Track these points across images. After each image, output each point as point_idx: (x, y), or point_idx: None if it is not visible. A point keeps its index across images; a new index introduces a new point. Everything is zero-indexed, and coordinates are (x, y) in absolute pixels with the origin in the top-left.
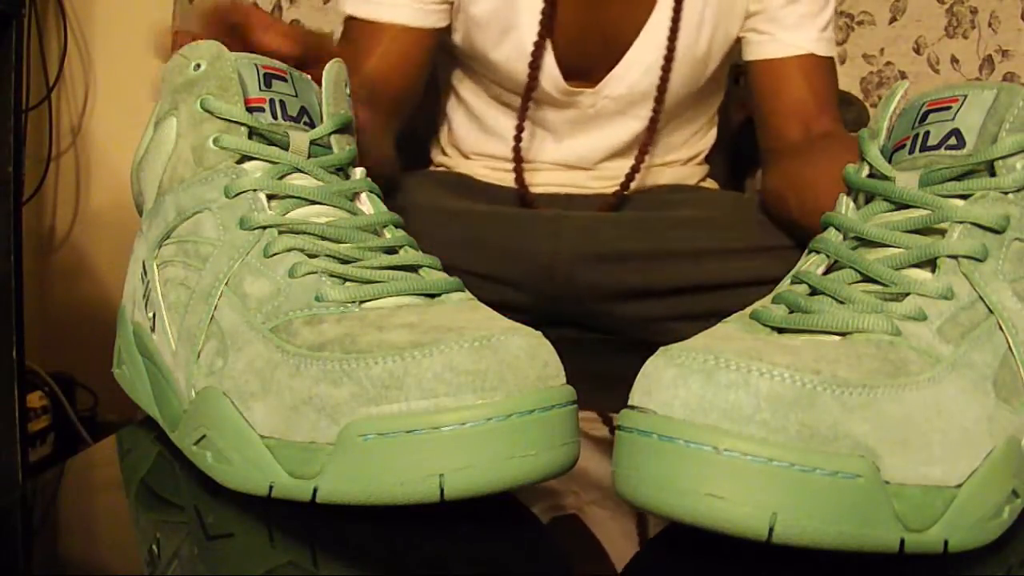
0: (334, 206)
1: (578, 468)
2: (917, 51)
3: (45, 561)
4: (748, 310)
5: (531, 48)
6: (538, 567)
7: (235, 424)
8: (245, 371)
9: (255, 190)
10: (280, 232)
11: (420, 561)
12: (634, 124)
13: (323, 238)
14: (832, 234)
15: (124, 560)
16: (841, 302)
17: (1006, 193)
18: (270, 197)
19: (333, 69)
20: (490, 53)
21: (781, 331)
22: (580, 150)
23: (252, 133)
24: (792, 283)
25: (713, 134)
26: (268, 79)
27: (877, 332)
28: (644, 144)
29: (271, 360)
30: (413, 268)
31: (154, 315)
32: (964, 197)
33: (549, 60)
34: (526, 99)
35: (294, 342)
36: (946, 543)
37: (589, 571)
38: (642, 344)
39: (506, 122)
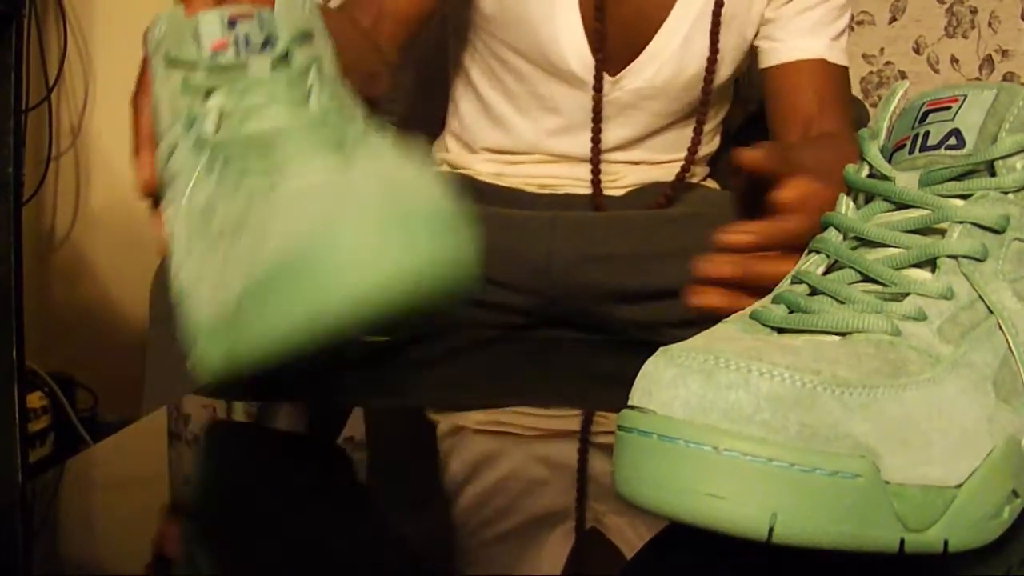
0: (284, 108)
1: (578, 468)
2: (917, 51)
3: (45, 561)
4: (748, 310)
5: (562, 21)
6: (538, 567)
7: (193, 327)
8: (193, 277)
9: (205, 115)
10: (223, 147)
11: (418, 561)
12: (644, 119)
13: (263, 142)
14: (832, 234)
15: (124, 560)
16: (841, 302)
17: (1006, 193)
18: (223, 119)
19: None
20: (521, 17)
21: (781, 331)
22: (589, 142)
23: (212, 70)
24: (792, 283)
25: (717, 141)
26: (232, 23)
27: (877, 332)
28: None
29: (208, 261)
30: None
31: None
32: (964, 197)
33: (580, 35)
34: (596, 100)
35: (226, 241)
36: (946, 543)
37: (589, 571)
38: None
39: (514, 111)
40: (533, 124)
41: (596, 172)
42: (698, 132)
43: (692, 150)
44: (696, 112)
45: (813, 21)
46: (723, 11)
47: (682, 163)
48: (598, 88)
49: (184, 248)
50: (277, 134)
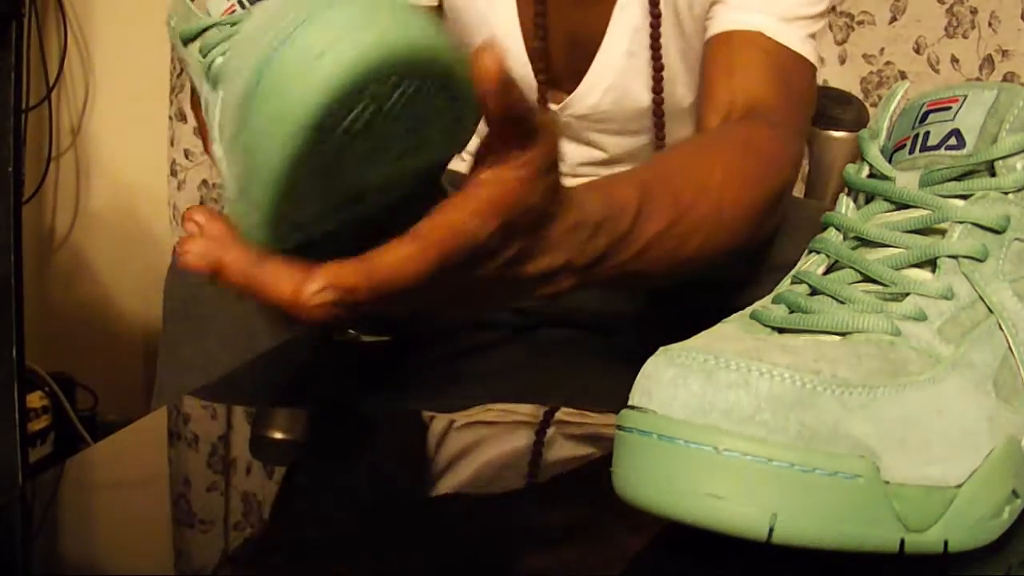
0: None
1: (578, 468)
2: (917, 51)
3: (45, 561)
4: (748, 310)
5: (504, 43)
6: (538, 567)
7: None
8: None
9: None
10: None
11: (418, 561)
12: (607, 139)
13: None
14: (832, 234)
15: (124, 560)
16: (841, 302)
17: (1006, 193)
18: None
19: None
20: (469, 40)
21: (781, 331)
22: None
23: (222, 29)
24: (792, 283)
25: None
26: None
27: (877, 332)
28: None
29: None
30: None
31: None
32: (964, 197)
33: (523, 60)
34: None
35: None
36: (946, 543)
37: (589, 571)
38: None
39: None
40: None
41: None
42: (661, 146)
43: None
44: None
45: None
46: (662, 19)
47: None
48: (541, 103)
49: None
50: None
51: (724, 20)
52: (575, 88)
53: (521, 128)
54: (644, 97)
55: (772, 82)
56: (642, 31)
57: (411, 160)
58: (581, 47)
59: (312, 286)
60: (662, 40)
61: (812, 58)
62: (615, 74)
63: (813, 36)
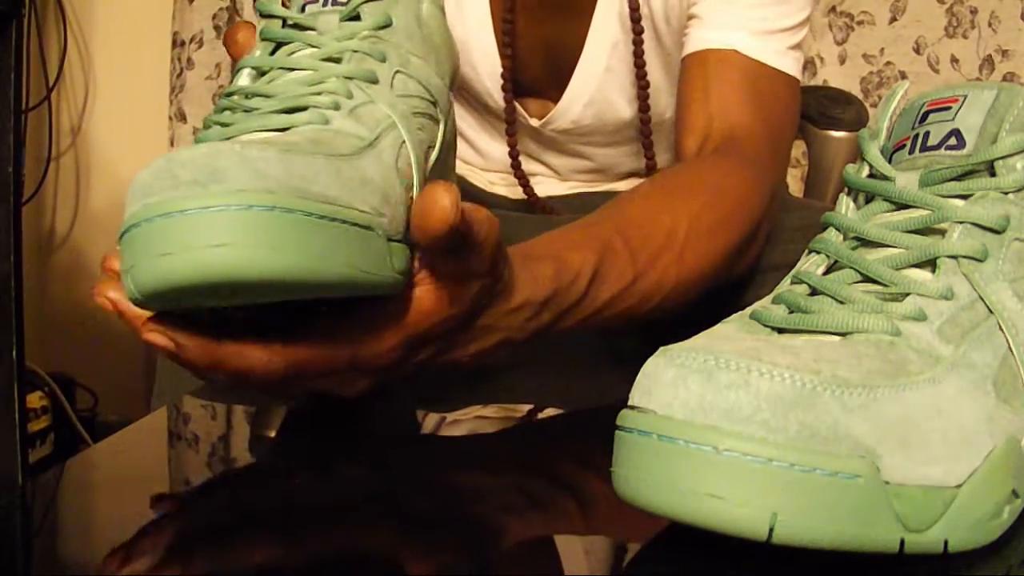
0: (306, 69)
1: (578, 468)
2: (917, 51)
3: (45, 561)
4: (748, 310)
5: (478, 61)
6: (538, 567)
7: None
8: None
9: (244, 67)
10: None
11: (417, 560)
12: (594, 150)
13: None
14: (832, 234)
15: (124, 560)
16: (841, 302)
17: (1006, 193)
18: (262, 72)
19: None
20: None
21: (781, 331)
22: (554, 167)
23: (285, 23)
24: (792, 283)
25: None
26: None
27: (877, 332)
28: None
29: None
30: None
31: None
32: (964, 197)
33: (495, 78)
34: (508, 112)
35: None
36: (946, 543)
37: (589, 571)
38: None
39: (479, 132)
40: (499, 145)
41: (527, 187)
42: (650, 159)
43: (649, 166)
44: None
45: (731, 14)
46: (642, 34)
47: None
48: (511, 132)
49: None
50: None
51: (699, 38)
52: (559, 97)
53: (455, 252)
54: (626, 110)
55: (748, 104)
56: (621, 46)
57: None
58: (560, 60)
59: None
60: (619, 69)
61: (793, 71)
62: (594, 89)
63: (796, 46)
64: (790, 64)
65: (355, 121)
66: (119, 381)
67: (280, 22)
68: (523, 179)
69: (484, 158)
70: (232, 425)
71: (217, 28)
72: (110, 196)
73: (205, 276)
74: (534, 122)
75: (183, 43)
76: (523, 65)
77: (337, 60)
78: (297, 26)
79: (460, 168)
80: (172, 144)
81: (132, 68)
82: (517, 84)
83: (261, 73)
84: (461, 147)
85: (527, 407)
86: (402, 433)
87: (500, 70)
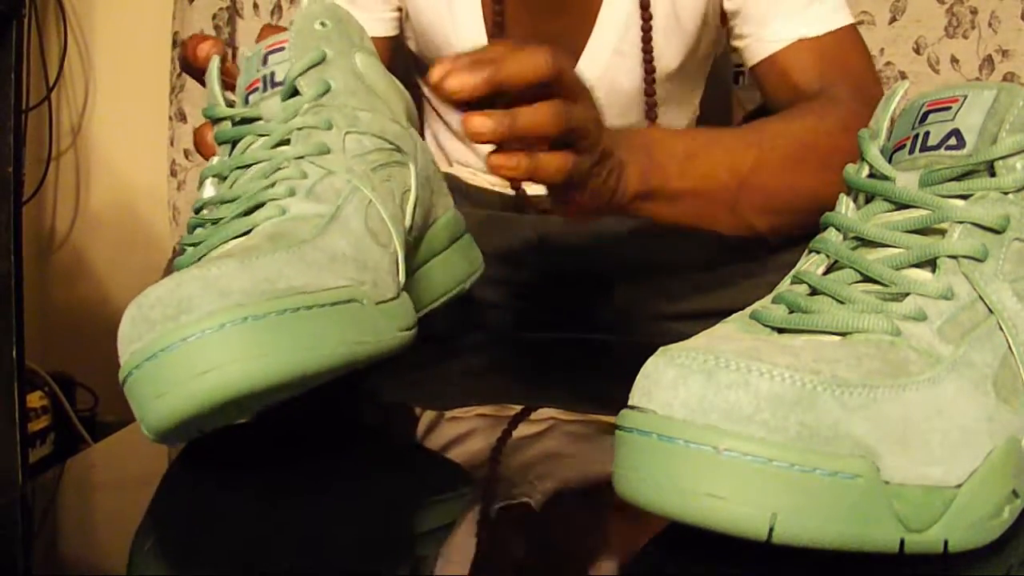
0: (261, 161)
1: (578, 468)
2: (917, 51)
3: (45, 561)
4: (748, 310)
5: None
6: (538, 567)
7: None
8: None
9: (206, 177)
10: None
11: (416, 560)
12: None
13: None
14: (832, 234)
15: (124, 560)
16: (841, 302)
17: (1006, 193)
18: (224, 178)
19: (303, 12)
20: (429, 52)
21: (781, 331)
22: None
23: (234, 122)
24: (792, 283)
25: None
26: (266, 58)
27: (877, 332)
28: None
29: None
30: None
31: None
32: (964, 197)
33: None
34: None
35: None
36: (946, 543)
37: (589, 571)
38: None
39: None
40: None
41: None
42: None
43: None
44: (664, 119)
45: (780, 2)
46: (657, 17)
47: None
48: None
49: None
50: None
51: (765, 41)
52: None
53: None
54: (633, 89)
55: (829, 74)
56: (633, 30)
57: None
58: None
59: None
60: (658, 38)
61: (849, 19)
62: (601, 69)
63: None
64: (843, 16)
65: (314, 201)
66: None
67: (229, 122)
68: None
69: (481, 156)
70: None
71: (217, 28)
72: (110, 196)
73: (203, 404)
74: None
75: (183, 43)
76: None
77: (286, 143)
78: (245, 120)
79: (459, 171)
80: (172, 144)
81: (132, 68)
82: None
83: (222, 179)
84: (460, 149)
85: (527, 407)
86: (402, 433)
87: None
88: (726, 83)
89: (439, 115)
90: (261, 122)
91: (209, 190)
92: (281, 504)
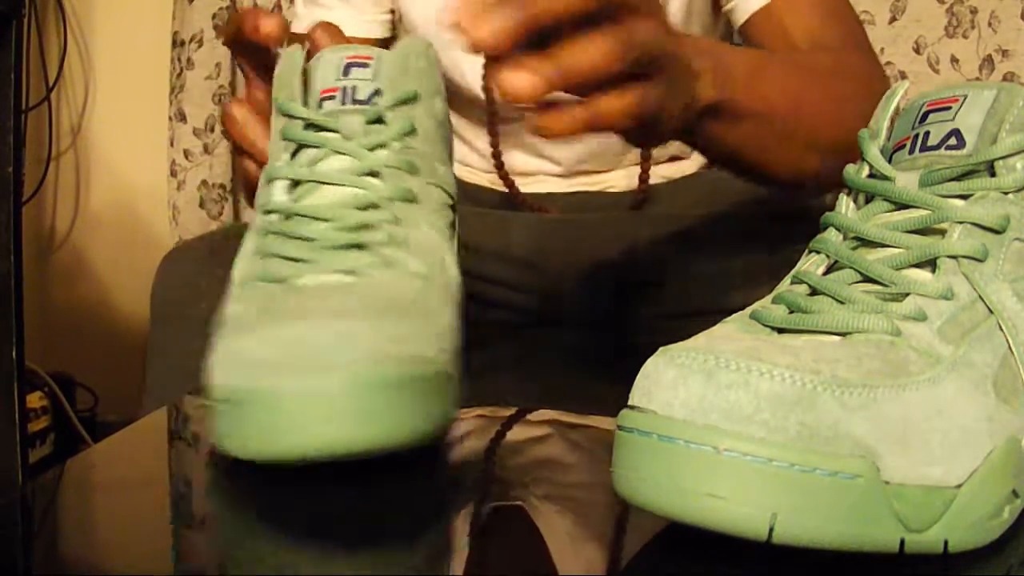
0: (347, 185)
1: (578, 468)
2: (917, 51)
3: (45, 561)
4: (748, 310)
5: (463, 59)
6: (538, 567)
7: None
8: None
9: (276, 178)
10: (267, 212)
11: (418, 561)
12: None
13: (290, 218)
14: (832, 234)
15: (124, 560)
16: (841, 302)
17: (1006, 193)
18: (296, 183)
19: (401, 46)
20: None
21: (781, 331)
22: (553, 158)
23: (307, 125)
24: (792, 283)
25: None
26: (348, 68)
27: (877, 332)
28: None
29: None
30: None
31: None
32: (964, 197)
33: (478, 65)
34: (490, 110)
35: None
36: (946, 543)
37: (589, 571)
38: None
39: (475, 133)
40: (497, 146)
41: (508, 182)
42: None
43: (645, 156)
44: None
45: None
46: None
47: (670, 160)
48: (492, 123)
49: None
50: (321, 212)
51: (750, 1)
52: None
53: None
54: None
55: (831, 24)
56: None
57: None
58: None
59: None
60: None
61: None
62: None
63: None
64: None
65: (411, 255)
66: (119, 381)
67: (300, 123)
68: (505, 176)
69: (484, 159)
70: None
71: (217, 28)
72: (110, 196)
73: (312, 453)
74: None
75: (183, 43)
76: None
77: (374, 175)
78: (316, 126)
79: (460, 171)
80: (172, 144)
81: (132, 68)
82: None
83: (295, 183)
84: (457, 146)
85: (527, 407)
86: None
87: (481, 73)
88: None
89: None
90: (338, 137)
91: (280, 193)
92: (277, 504)
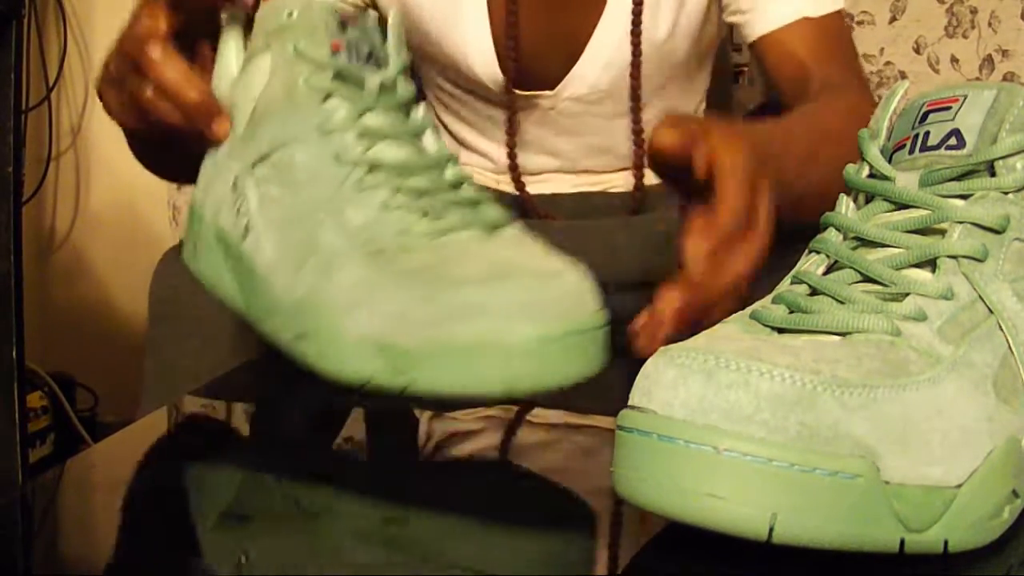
0: (405, 143)
1: (578, 468)
2: (917, 51)
3: (45, 561)
4: (748, 310)
5: (473, 45)
6: (538, 567)
7: (338, 328)
8: (350, 287)
9: (344, 130)
10: (369, 170)
11: (416, 560)
12: (603, 123)
13: (402, 175)
14: (832, 234)
15: (124, 560)
16: (841, 302)
17: (1006, 193)
18: (361, 134)
19: (397, 17)
20: (430, 47)
21: (781, 331)
22: (560, 154)
23: (335, 75)
24: (792, 283)
25: None
26: (343, 24)
27: (877, 332)
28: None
29: (371, 279)
30: (474, 202)
31: (247, 224)
32: (964, 197)
33: (491, 59)
34: (508, 103)
35: (390, 267)
36: (946, 543)
37: (589, 571)
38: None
39: (477, 135)
40: (498, 145)
41: (517, 181)
42: (638, 135)
43: (637, 163)
44: (665, 104)
45: None
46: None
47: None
48: (510, 107)
49: (278, 229)
50: (414, 172)
51: (768, 17)
52: (559, 80)
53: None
54: (611, 82)
55: (833, 56)
56: (621, 21)
57: None
58: (569, 36)
59: None
60: (658, 20)
61: (842, 2)
62: (612, 51)
63: None
64: (839, 0)
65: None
66: (119, 381)
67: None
68: (518, 178)
69: (494, 162)
70: (232, 425)
71: None
72: (110, 196)
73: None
74: (546, 93)
75: None
76: (527, 53)
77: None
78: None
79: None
80: None
81: None
82: (518, 71)
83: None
84: (463, 149)
85: (526, 407)
86: (402, 433)
87: (493, 54)
88: (726, 83)
89: (442, 125)
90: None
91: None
92: (279, 504)
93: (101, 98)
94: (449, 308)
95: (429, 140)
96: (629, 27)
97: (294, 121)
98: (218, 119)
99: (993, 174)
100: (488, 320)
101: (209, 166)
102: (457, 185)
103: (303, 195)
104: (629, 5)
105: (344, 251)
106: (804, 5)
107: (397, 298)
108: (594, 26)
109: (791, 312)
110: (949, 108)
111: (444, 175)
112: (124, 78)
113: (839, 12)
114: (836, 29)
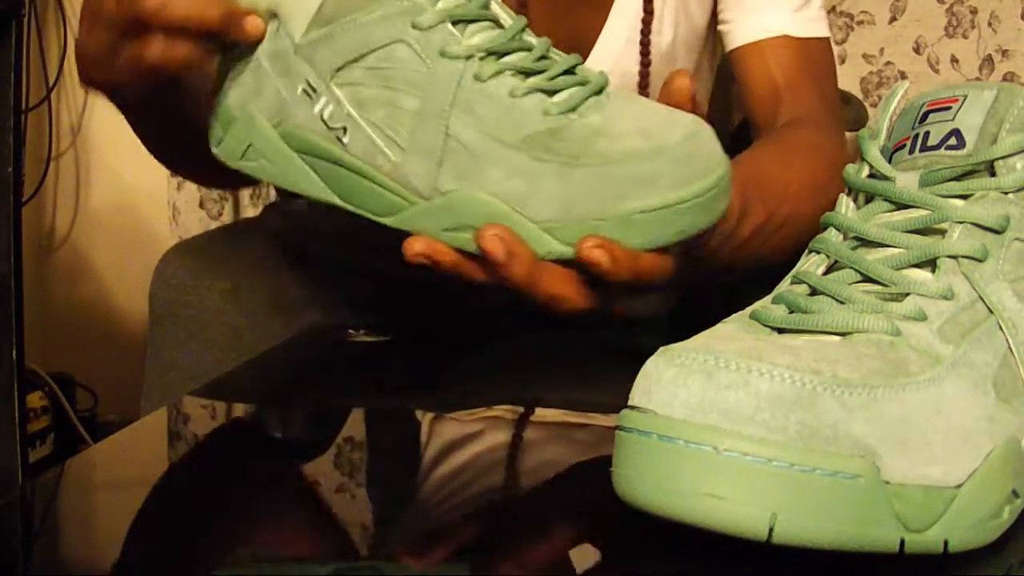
0: (486, 22)
1: (578, 468)
2: (917, 51)
3: (45, 561)
4: (748, 310)
5: None
6: (538, 567)
7: (509, 215)
8: (506, 178)
9: (444, 22)
10: (483, 58)
11: (416, 560)
12: None
13: (507, 56)
14: (832, 234)
15: (124, 560)
16: (841, 302)
17: (1006, 193)
18: (454, 23)
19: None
20: None
21: (781, 331)
22: None
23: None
24: (792, 283)
25: None
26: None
27: (877, 332)
28: None
29: (532, 169)
30: (571, 67)
31: (345, 128)
32: (964, 197)
33: None
34: None
35: (547, 155)
36: (946, 543)
37: (589, 571)
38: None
39: None
40: None
41: None
42: None
43: None
44: None
45: None
46: (662, 6)
47: None
48: None
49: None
50: (524, 51)
51: (749, 28)
52: None
53: None
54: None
55: (809, 83)
56: (624, 29)
57: None
58: (573, 43)
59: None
60: (663, 27)
61: (827, 32)
62: (614, 60)
63: (821, 6)
64: (824, 27)
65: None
66: (119, 381)
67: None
68: None
69: None
70: (232, 425)
71: None
72: (110, 196)
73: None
74: None
75: None
76: None
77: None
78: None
79: None
80: None
81: None
82: None
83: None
84: None
85: (527, 408)
86: (402, 433)
87: None
88: (726, 84)
89: None
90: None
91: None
92: (280, 505)
93: (88, 80)
94: (620, 186)
95: (498, 9)
96: (632, 34)
97: (388, 22)
98: (249, 19)
99: (993, 174)
100: (659, 192)
101: (243, 71)
102: (546, 54)
103: (420, 95)
104: (633, 12)
105: (490, 146)
106: (787, 24)
107: (568, 184)
108: (598, 32)
109: (791, 312)
110: (949, 108)
111: (534, 47)
112: (116, 47)
113: (824, 40)
114: (817, 55)
